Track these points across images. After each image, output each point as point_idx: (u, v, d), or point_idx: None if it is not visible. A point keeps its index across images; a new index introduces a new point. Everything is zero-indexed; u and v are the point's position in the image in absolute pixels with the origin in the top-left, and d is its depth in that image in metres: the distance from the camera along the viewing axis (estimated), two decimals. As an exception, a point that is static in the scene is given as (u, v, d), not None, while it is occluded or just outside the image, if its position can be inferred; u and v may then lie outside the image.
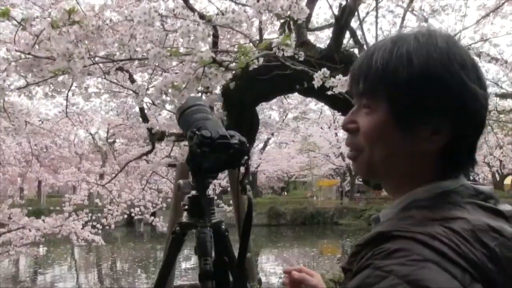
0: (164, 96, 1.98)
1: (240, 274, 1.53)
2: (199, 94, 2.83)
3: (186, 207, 1.54)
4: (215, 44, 3.51)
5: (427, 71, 0.87)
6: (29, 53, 1.94)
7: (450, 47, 0.90)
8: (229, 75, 2.16)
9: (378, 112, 0.92)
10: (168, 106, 2.08)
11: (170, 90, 1.93)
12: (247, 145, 1.48)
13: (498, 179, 30.95)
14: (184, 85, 1.92)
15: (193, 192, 1.52)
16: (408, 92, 0.88)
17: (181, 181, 1.49)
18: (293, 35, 3.01)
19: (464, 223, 0.80)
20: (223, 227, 1.57)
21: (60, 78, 2.01)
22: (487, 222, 0.81)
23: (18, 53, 2.02)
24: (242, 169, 1.50)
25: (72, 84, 2.55)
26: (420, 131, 0.89)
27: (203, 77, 1.99)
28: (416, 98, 0.88)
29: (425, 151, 0.90)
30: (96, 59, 2.48)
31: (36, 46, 1.95)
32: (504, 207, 0.92)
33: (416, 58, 0.88)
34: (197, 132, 1.43)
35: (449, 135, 0.88)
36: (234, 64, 2.20)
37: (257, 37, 4.01)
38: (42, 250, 10.42)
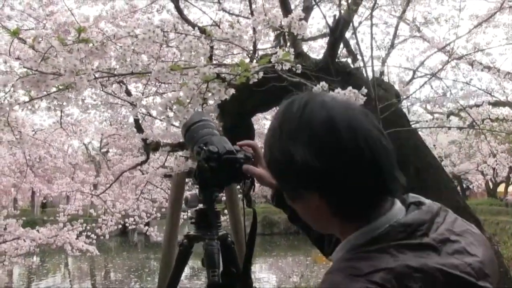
0: (169, 111, 2.02)
1: (245, 283, 1.56)
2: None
3: (193, 220, 1.59)
4: (210, 57, 3.55)
5: (270, 153, 1.05)
6: (36, 70, 1.99)
7: (285, 119, 1.03)
8: (232, 91, 2.19)
9: None
10: (173, 121, 2.12)
11: (174, 106, 1.98)
12: (252, 160, 1.52)
13: (491, 187, 31.03)
14: (188, 101, 1.97)
15: (200, 206, 1.56)
16: (273, 173, 1.08)
17: (188, 195, 1.54)
18: (291, 49, 3.05)
19: (386, 273, 0.87)
20: (229, 239, 1.62)
21: (68, 94, 2.05)
22: (408, 264, 0.88)
23: (25, 69, 2.06)
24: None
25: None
26: (303, 195, 1.01)
27: (207, 92, 2.04)
28: (281, 175, 1.06)
29: (315, 208, 1.00)
30: (98, 73, 2.52)
31: (43, 62, 1.99)
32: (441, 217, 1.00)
33: None
34: (204, 148, 1.47)
35: (320, 193, 0.98)
36: (235, 78, 2.25)
37: (251, 47, 4.05)
38: (36, 260, 10.35)
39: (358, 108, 1.02)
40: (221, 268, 1.54)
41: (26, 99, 2.25)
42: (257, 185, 1.55)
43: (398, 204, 1.03)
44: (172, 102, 1.99)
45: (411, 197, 1.07)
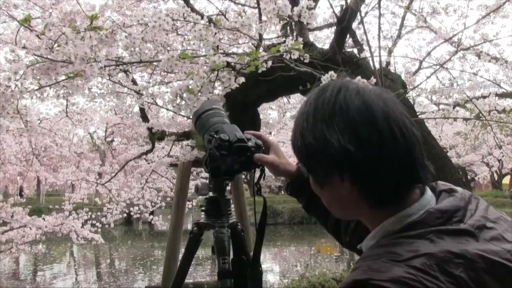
0: (178, 100, 2.02)
1: (255, 270, 1.57)
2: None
3: (203, 208, 1.60)
4: (216, 47, 3.56)
5: (302, 138, 1.02)
6: (47, 57, 1.99)
7: (318, 105, 1.01)
8: (242, 79, 2.20)
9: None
10: (183, 111, 2.11)
11: (185, 94, 1.98)
12: (263, 148, 1.52)
13: (496, 178, 30.89)
14: (199, 89, 1.97)
15: (210, 194, 1.57)
16: (304, 158, 1.05)
17: (199, 183, 1.54)
18: (300, 38, 3.05)
19: (427, 258, 0.86)
20: (239, 227, 1.62)
21: (77, 81, 2.05)
22: (450, 250, 0.87)
23: (32, 58, 2.07)
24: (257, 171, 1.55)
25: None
26: (333, 181, 1.00)
27: (217, 81, 2.04)
28: (312, 160, 1.03)
29: (346, 194, 1.00)
30: (106, 61, 2.52)
31: (53, 50, 1.99)
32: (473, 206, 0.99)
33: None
34: (215, 136, 1.47)
35: (353, 179, 0.97)
36: (244, 67, 2.25)
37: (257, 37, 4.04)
38: (42, 248, 10.42)
39: (390, 97, 1.02)
40: (231, 256, 1.55)
41: (34, 87, 2.25)
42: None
43: (428, 191, 1.03)
44: (182, 90, 1.99)
45: (441, 184, 1.07)
